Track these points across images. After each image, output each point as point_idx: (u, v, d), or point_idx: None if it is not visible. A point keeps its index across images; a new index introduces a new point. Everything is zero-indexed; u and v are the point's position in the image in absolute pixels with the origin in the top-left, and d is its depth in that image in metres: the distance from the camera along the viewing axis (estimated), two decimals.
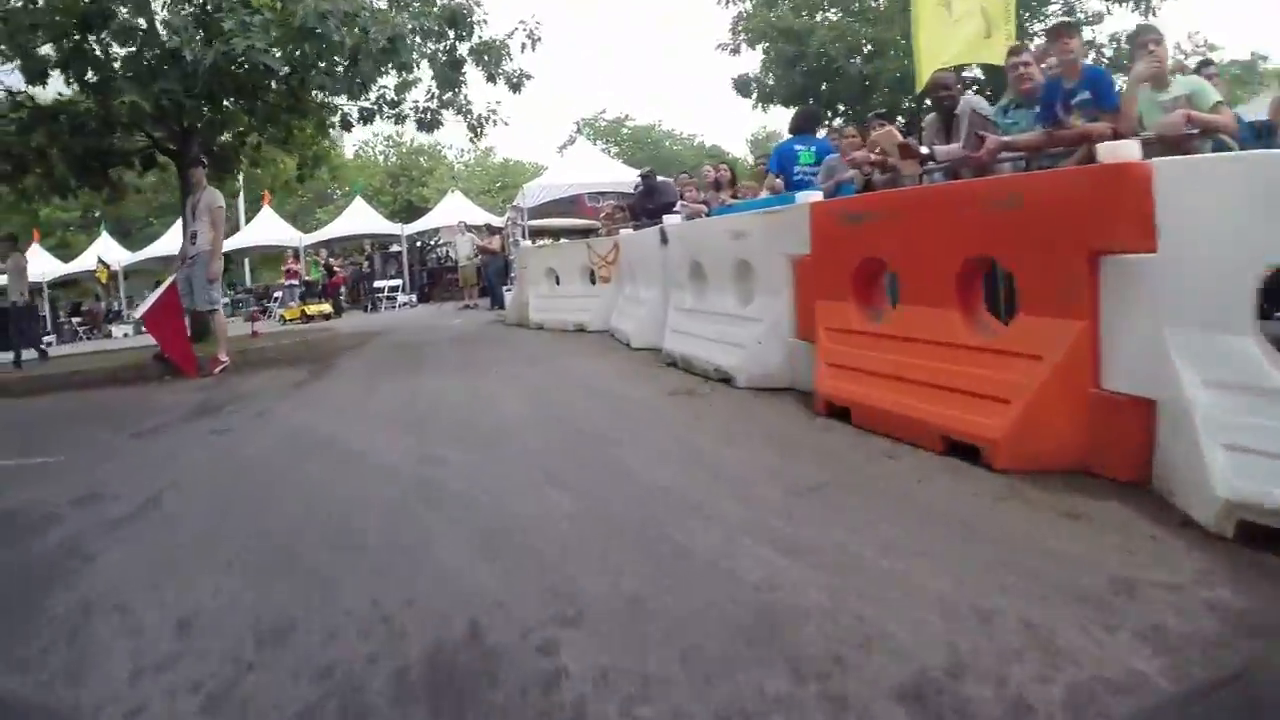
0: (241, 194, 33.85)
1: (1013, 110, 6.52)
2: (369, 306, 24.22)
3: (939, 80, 6.82)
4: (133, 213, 37.01)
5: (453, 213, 27.35)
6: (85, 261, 29.21)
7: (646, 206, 11.47)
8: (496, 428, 4.84)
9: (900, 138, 6.37)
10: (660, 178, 12.28)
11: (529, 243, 11.81)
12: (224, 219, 9.70)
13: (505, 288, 17.85)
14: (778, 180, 8.37)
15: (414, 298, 25.73)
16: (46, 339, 27.49)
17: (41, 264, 30.24)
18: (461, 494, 3.51)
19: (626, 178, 20.36)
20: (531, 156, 42.05)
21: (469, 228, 20.16)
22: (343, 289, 24.68)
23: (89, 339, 27.93)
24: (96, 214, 37.59)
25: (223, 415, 6.45)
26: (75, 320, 29.58)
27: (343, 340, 11.84)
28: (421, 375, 7.44)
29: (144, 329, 10.48)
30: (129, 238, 33.91)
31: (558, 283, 11.06)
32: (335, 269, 23.54)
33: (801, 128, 8.86)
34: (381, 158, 40.13)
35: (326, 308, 21.64)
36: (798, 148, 8.61)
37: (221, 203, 9.60)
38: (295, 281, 23.09)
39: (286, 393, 7.27)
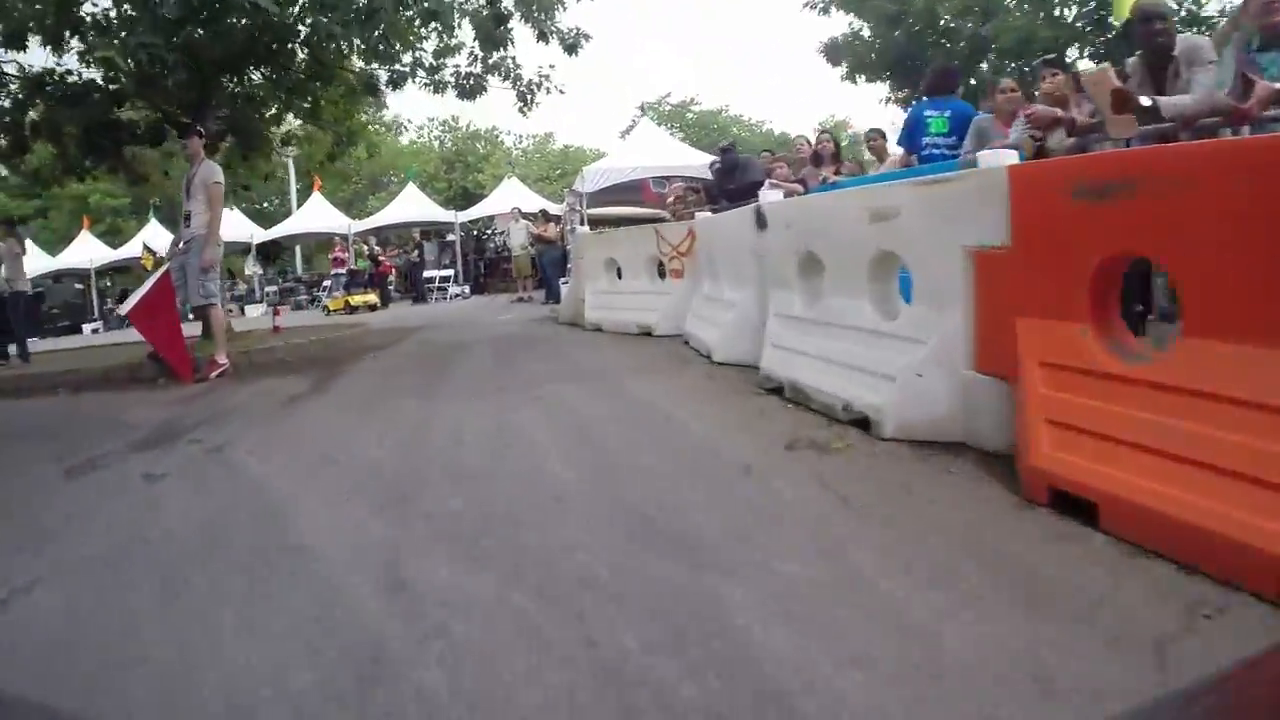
0: (293, 179, 33.05)
1: (1256, 53, 4.71)
2: (417, 297, 22.85)
3: (1150, 10, 4.93)
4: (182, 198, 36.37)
5: (509, 200, 25.92)
6: (134, 248, 28.44)
7: (726, 186, 9.71)
8: (521, 512, 3.08)
9: (1117, 81, 4.49)
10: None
11: (586, 228, 10.07)
12: (223, 197, 8.22)
13: (563, 280, 16.29)
14: (911, 157, 6.61)
15: (467, 289, 24.33)
16: (93, 326, 27.21)
17: (89, 250, 29.72)
18: (427, 710, 1.79)
19: (695, 161, 18.58)
20: (593, 143, 40.40)
21: (523, 215, 18.58)
22: (391, 278, 23.36)
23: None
24: (156, 201, 37.21)
25: (178, 447, 4.93)
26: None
27: (371, 338, 10.31)
28: (441, 395, 5.77)
29: (130, 326, 9.08)
30: (179, 225, 33.12)
31: (619, 276, 9.32)
32: (380, 258, 22.12)
33: (936, 88, 7.04)
34: (436, 143, 38.81)
35: (372, 298, 20.31)
36: (929, 114, 6.82)
37: (219, 178, 8.13)
38: (342, 270, 21.79)
39: (268, 415, 5.69)
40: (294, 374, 7.60)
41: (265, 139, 12.49)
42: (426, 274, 23.69)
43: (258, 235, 27.44)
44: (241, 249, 27.98)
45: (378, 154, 34.19)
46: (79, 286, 29.65)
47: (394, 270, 22.93)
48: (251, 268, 27.42)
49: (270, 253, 30.43)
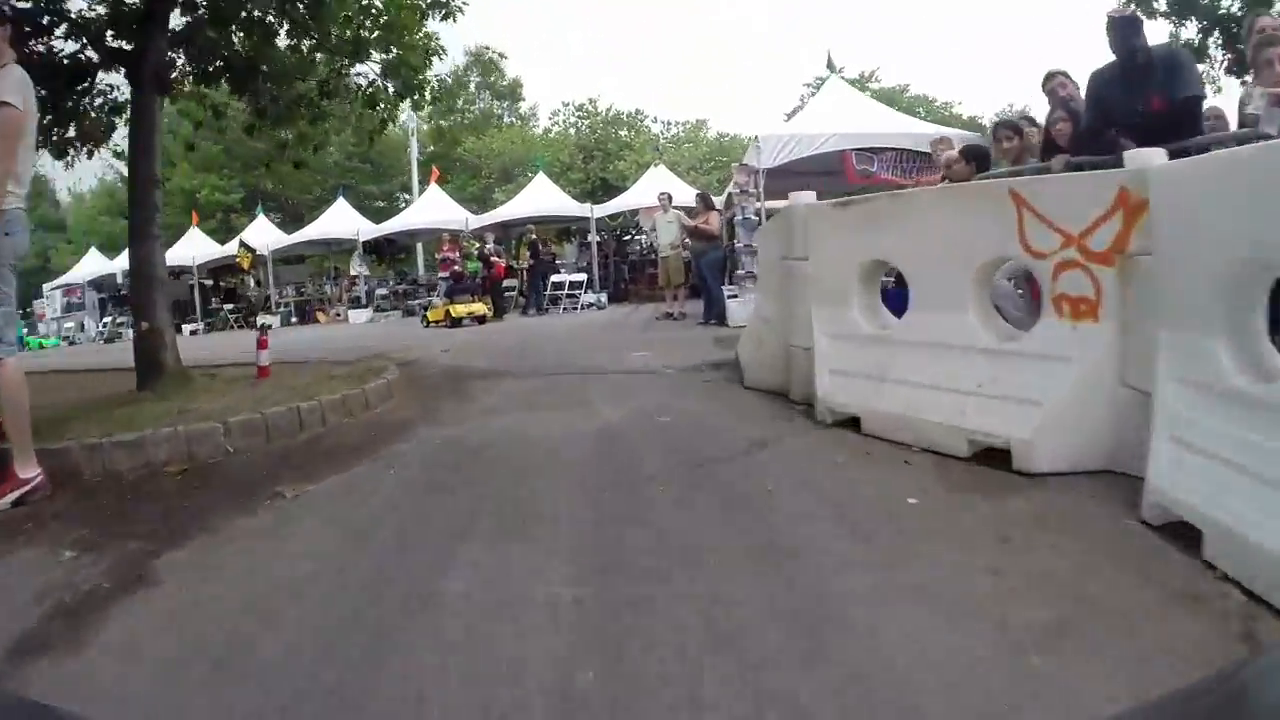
0: (414, 170, 29.46)
1: None
2: (528, 308, 18.32)
3: None
4: (296, 192, 33.66)
5: (656, 190, 21.21)
6: (233, 245, 25.41)
7: (1132, 108, 4.43)
8: None
9: None
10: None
11: (810, 195, 4.84)
12: (18, 130, 3.68)
13: (729, 292, 11.39)
14: None
15: (603, 297, 19.67)
16: (192, 327, 24.47)
17: (193, 248, 27.02)
18: None
19: (917, 130, 13.20)
20: (753, 132, 35.00)
21: (672, 204, 13.59)
22: (508, 282, 18.96)
23: (238, 327, 24.53)
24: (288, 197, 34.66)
25: None
26: (227, 307, 26.12)
27: (372, 405, 5.46)
28: None
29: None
30: (300, 222, 30.06)
31: (902, 304, 4.22)
32: (493, 258, 17.49)
33: None
34: (572, 130, 34.18)
35: (479, 308, 15.88)
36: None
37: (9, 95, 3.60)
38: (447, 273, 17.45)
39: None
40: (85, 548, 2.89)
41: (282, 78, 8.09)
42: (554, 279, 19.20)
43: (365, 231, 23.71)
44: (349, 247, 24.40)
45: (442, 102, 29.97)
46: (192, 283, 27.28)
47: (507, 272, 18.18)
48: (358, 268, 23.73)
49: (386, 252, 26.82)
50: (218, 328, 25.61)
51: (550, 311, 18.30)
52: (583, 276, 19.58)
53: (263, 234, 26.01)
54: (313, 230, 25.17)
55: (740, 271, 11.34)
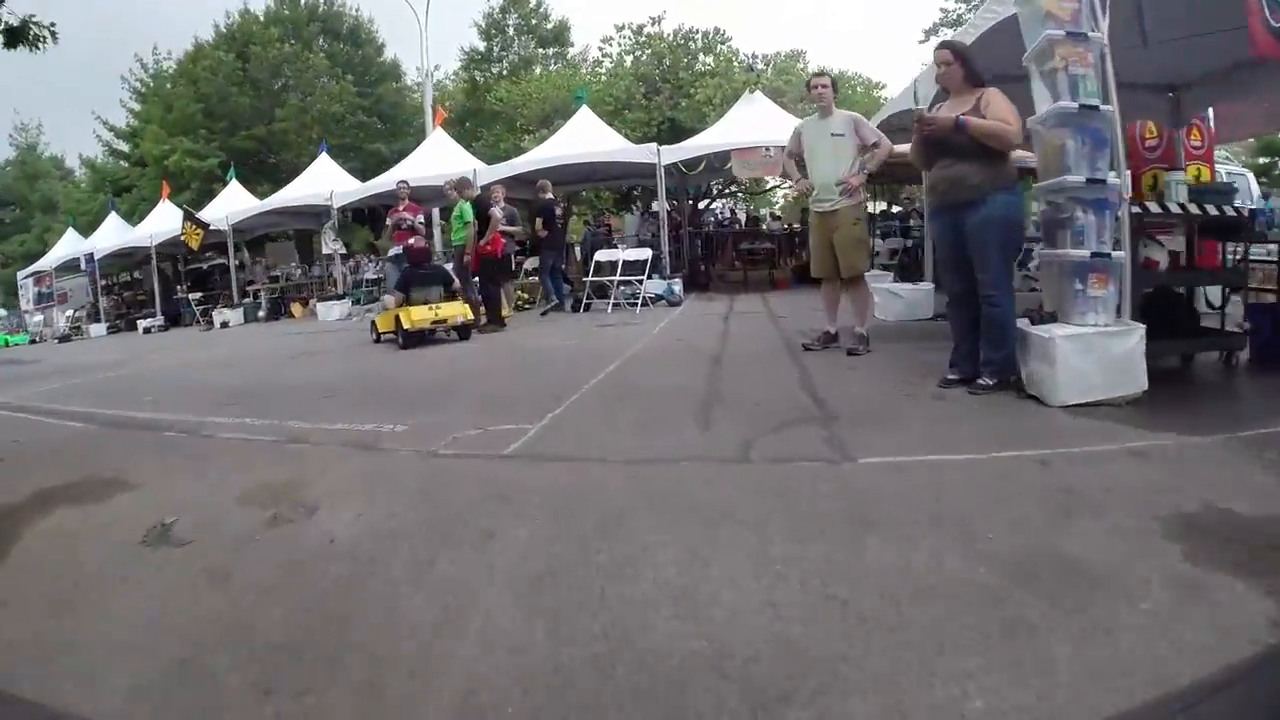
0: (428, 116, 22.40)
1: None
2: (551, 304, 11.40)
3: None
4: (292, 154, 27.21)
5: (751, 126, 14.03)
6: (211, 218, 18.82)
7: None
8: None
9: None
10: None
11: None
12: None
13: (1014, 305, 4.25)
14: None
15: (677, 286, 12.41)
16: (149, 322, 19.88)
17: (152, 225, 20.84)
18: None
19: None
20: (858, 68, 27.20)
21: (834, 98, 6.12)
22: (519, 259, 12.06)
23: (200, 322, 18.94)
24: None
25: None
26: (194, 298, 19.88)
27: None
28: None
29: None
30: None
31: None
32: (497, 220, 9.92)
33: None
34: (629, 59, 25.93)
35: (455, 310, 8.96)
36: None
37: None
38: (401, 246, 10.40)
39: None
40: None
41: None
42: (600, 256, 12.09)
43: (340, 195, 16.71)
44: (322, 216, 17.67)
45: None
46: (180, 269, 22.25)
47: (501, 248, 10.65)
48: (330, 244, 16.85)
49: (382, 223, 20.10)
50: (186, 322, 19.59)
51: (594, 309, 11.30)
52: (645, 254, 12.31)
53: (231, 204, 19.51)
54: (282, 197, 18.47)
55: (1071, 256, 4.06)
